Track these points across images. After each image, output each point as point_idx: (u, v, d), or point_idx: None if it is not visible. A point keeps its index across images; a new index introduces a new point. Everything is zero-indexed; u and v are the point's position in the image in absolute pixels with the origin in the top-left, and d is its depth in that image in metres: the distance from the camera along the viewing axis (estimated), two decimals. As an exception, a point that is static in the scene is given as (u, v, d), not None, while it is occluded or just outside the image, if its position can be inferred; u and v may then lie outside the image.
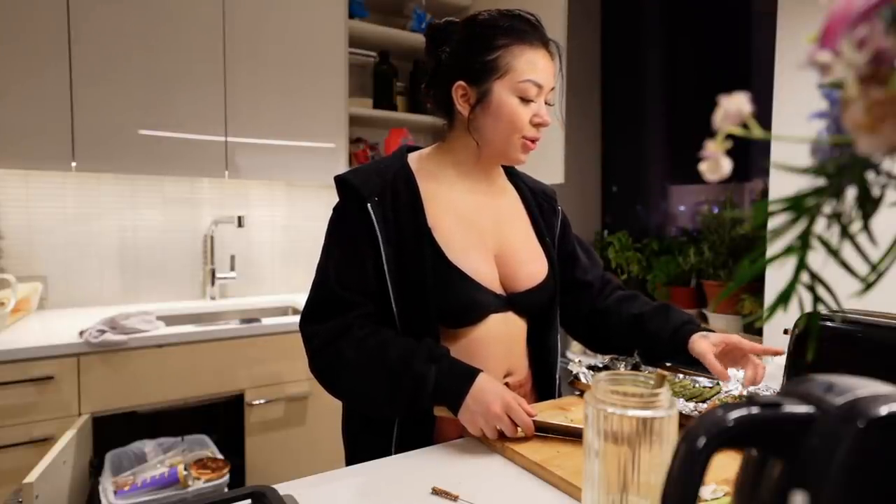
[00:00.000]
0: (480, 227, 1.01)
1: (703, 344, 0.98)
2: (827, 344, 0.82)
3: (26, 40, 1.73)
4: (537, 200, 1.13)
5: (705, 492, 0.70)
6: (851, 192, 0.30)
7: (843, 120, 0.28)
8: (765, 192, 2.04)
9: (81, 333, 1.65)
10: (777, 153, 1.57)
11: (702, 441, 0.35)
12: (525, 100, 0.94)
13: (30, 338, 1.64)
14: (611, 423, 0.57)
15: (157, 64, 1.92)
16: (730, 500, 0.40)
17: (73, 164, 1.81)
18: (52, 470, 1.30)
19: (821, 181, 0.30)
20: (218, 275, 2.31)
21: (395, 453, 0.93)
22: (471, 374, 0.89)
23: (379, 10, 2.58)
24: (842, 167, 0.29)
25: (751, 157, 2.25)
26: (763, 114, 1.68)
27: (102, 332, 1.65)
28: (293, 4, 2.15)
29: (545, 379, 1.10)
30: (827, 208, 0.30)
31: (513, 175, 1.14)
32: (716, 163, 0.33)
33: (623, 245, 2.51)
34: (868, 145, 0.27)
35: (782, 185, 1.64)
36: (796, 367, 0.87)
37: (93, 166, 1.87)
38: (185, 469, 1.55)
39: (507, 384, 1.00)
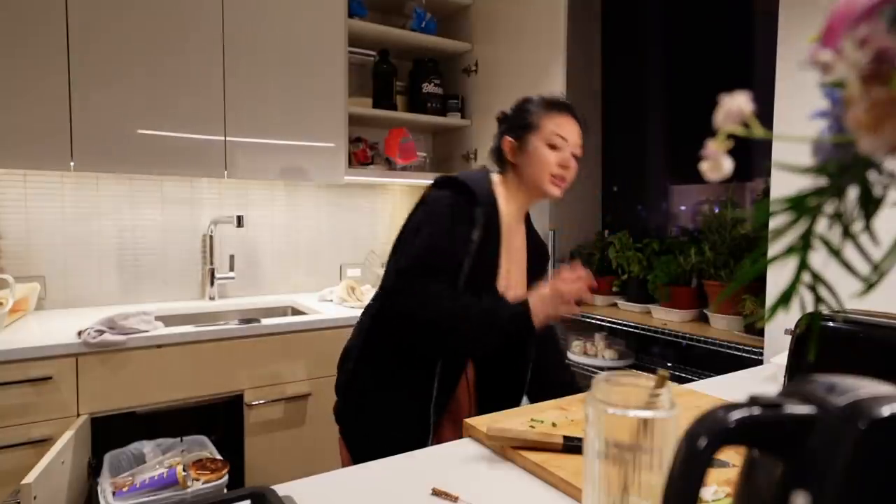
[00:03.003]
0: (510, 250, 1.28)
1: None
2: (828, 344, 0.82)
3: (25, 39, 1.72)
4: (536, 249, 1.38)
5: (706, 493, 0.70)
6: (853, 192, 0.29)
7: (844, 119, 0.27)
8: (766, 192, 2.03)
9: (80, 333, 1.65)
10: (778, 153, 1.56)
11: (703, 441, 0.35)
12: (552, 147, 1.23)
13: (28, 338, 1.63)
14: (611, 424, 0.57)
15: (155, 63, 1.91)
16: (731, 502, 0.39)
17: (72, 163, 1.81)
18: (50, 470, 1.30)
19: (822, 181, 0.30)
20: (217, 275, 2.31)
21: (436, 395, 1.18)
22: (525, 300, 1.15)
23: (378, 8, 2.58)
24: (843, 167, 0.29)
25: (752, 156, 2.25)
26: (764, 113, 1.67)
27: (101, 332, 1.65)
28: (292, 4, 2.15)
29: (517, 372, 1.33)
30: (828, 208, 0.30)
31: (529, 225, 1.39)
32: (717, 162, 0.32)
33: (623, 245, 2.51)
34: (870, 145, 0.27)
35: (784, 184, 1.64)
36: (798, 367, 0.86)
37: (91, 166, 1.86)
38: (184, 470, 1.55)
39: None
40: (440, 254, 1.16)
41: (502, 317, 1.12)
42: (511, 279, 1.28)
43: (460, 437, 0.97)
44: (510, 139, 1.28)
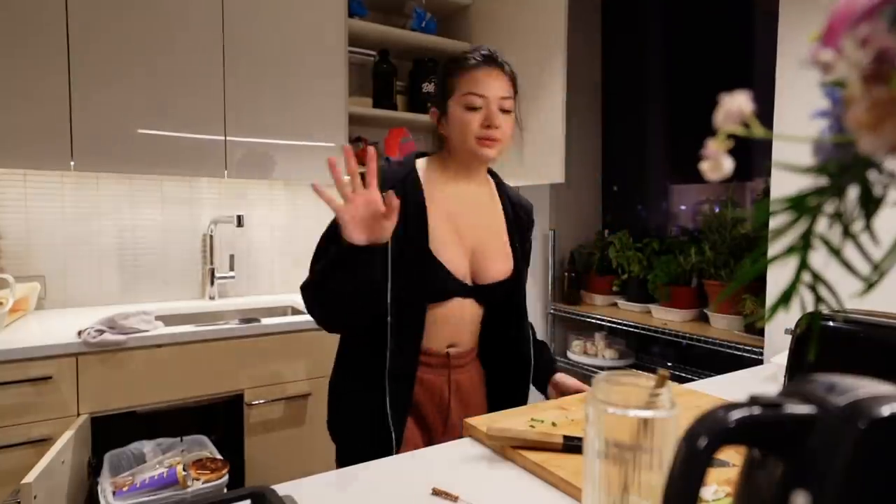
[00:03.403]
0: (461, 225, 1.19)
1: (560, 381, 1.25)
2: (828, 344, 0.82)
3: (25, 39, 1.72)
4: (515, 211, 1.29)
5: (706, 492, 0.70)
6: (853, 192, 0.29)
7: (845, 119, 0.27)
8: (766, 192, 2.03)
9: (80, 333, 1.65)
10: (779, 152, 1.57)
11: (703, 441, 0.34)
12: (471, 108, 1.13)
13: (28, 338, 1.63)
14: (611, 424, 0.57)
15: (156, 63, 1.91)
16: (731, 501, 0.39)
17: (72, 163, 1.81)
18: (50, 470, 1.30)
19: (823, 180, 0.30)
20: (217, 275, 2.31)
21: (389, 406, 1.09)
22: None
23: (379, 8, 2.58)
24: (844, 166, 0.29)
25: (752, 156, 2.25)
26: (764, 113, 1.68)
27: (101, 331, 1.65)
28: (292, 3, 2.15)
29: (521, 363, 1.26)
30: (829, 208, 0.30)
31: (500, 187, 1.31)
32: (717, 162, 0.32)
33: (624, 244, 2.51)
34: (870, 145, 0.26)
35: (784, 184, 1.64)
36: (798, 367, 0.86)
37: (92, 166, 1.86)
38: (184, 469, 1.55)
39: (448, 352, 1.18)
40: (327, 239, 1.10)
41: (333, 249, 1.03)
42: (471, 244, 1.19)
43: (425, 445, 0.97)
44: (435, 110, 1.20)
